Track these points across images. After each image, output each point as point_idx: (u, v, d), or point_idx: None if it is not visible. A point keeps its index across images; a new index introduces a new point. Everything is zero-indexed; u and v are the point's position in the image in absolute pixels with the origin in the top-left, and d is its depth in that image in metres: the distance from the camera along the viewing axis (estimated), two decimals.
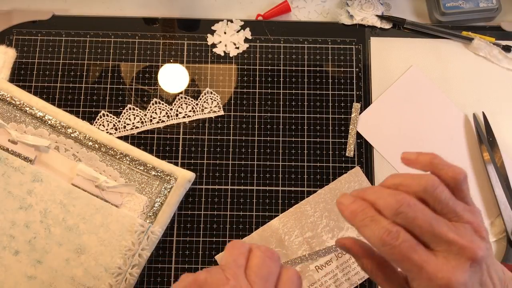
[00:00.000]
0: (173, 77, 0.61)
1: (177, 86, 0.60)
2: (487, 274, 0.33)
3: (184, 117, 0.59)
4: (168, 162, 0.56)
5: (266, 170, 0.58)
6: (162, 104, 0.59)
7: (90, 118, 0.59)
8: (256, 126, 0.59)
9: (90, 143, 0.56)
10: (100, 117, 0.59)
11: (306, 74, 0.61)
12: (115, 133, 0.58)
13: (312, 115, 0.60)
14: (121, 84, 0.60)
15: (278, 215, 0.56)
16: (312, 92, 0.60)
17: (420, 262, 0.32)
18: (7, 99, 0.56)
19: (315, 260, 0.54)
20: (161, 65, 0.61)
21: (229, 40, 0.62)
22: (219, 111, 0.59)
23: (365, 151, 0.59)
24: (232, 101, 0.60)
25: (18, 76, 0.60)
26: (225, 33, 0.62)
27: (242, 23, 0.62)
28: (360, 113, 0.60)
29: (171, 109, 0.59)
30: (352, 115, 0.60)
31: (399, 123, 0.59)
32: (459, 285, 0.31)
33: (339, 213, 0.36)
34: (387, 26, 0.63)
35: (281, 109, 0.60)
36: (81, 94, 0.60)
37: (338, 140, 0.59)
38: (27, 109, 0.56)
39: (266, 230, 0.55)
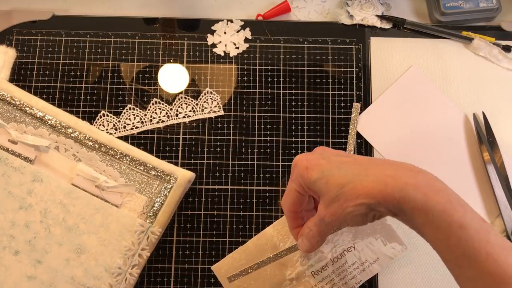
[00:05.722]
0: (173, 77, 0.61)
1: (177, 86, 0.60)
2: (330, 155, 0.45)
3: (184, 117, 0.59)
4: (168, 162, 0.56)
5: (266, 170, 0.58)
6: (162, 104, 0.59)
7: (90, 118, 0.59)
8: (256, 126, 0.59)
9: (90, 143, 0.56)
10: (100, 117, 0.59)
11: (306, 74, 0.61)
12: (115, 133, 0.58)
13: (312, 115, 0.60)
14: (121, 84, 0.60)
15: (278, 215, 0.56)
16: (312, 92, 0.60)
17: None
18: (7, 99, 0.56)
19: (311, 266, 0.54)
20: (161, 65, 0.61)
21: (229, 40, 0.62)
22: (219, 111, 0.59)
23: (365, 151, 0.59)
24: (232, 101, 0.60)
25: (18, 76, 0.60)
26: (225, 33, 0.62)
27: (242, 23, 0.62)
28: (360, 113, 0.60)
29: (171, 109, 0.59)
30: (352, 115, 0.60)
31: (399, 123, 0.59)
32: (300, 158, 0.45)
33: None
34: (387, 26, 0.63)
35: (281, 109, 0.60)
36: (81, 94, 0.60)
37: (338, 140, 0.59)
38: (27, 109, 0.56)
39: (260, 238, 0.55)
